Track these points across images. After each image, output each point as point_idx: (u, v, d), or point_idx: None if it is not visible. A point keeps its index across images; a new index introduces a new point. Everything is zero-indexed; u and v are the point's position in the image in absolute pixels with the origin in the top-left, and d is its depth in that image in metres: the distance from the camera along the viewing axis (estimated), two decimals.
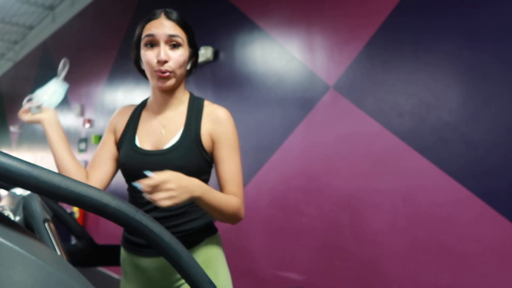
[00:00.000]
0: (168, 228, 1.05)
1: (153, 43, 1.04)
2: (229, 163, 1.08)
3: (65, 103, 5.30)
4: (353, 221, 2.01)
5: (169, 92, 1.10)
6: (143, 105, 1.19)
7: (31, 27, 6.60)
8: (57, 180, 0.38)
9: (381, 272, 1.88)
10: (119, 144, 1.14)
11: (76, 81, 5.02)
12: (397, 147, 1.85)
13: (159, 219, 1.05)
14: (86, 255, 1.36)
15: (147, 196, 0.87)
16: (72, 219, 1.38)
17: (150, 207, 1.07)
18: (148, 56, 1.04)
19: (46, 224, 0.80)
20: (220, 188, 1.08)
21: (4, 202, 0.89)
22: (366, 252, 1.94)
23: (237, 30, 2.75)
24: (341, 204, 2.06)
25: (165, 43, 1.04)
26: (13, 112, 7.33)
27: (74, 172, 1.08)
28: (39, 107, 1.10)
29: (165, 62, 1.03)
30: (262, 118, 2.52)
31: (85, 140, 4.62)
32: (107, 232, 3.99)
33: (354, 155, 2.02)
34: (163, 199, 0.86)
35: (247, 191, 2.48)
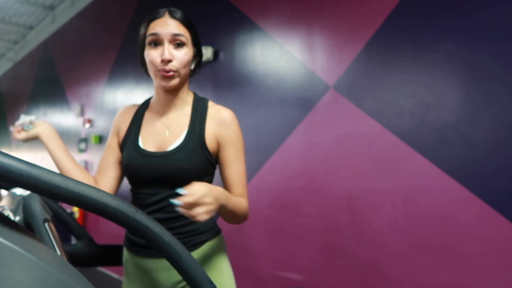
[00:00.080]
0: (172, 229, 1.04)
1: (157, 42, 1.03)
2: (235, 165, 1.07)
3: (65, 103, 5.30)
4: (353, 221, 2.01)
5: (173, 92, 1.09)
6: (145, 105, 1.17)
7: (31, 27, 6.59)
8: (57, 180, 0.38)
9: (381, 272, 1.88)
10: (122, 145, 1.13)
11: (76, 81, 5.02)
12: (397, 147, 1.85)
13: (163, 221, 1.04)
14: (86, 255, 1.36)
15: (183, 211, 0.84)
16: (72, 219, 1.37)
17: (153, 209, 1.06)
18: (152, 55, 1.03)
19: (46, 224, 0.80)
20: (226, 189, 1.08)
21: (4, 202, 0.89)
22: (366, 252, 1.94)
23: (237, 30, 2.75)
24: (341, 204, 2.06)
25: (169, 42, 1.02)
26: (13, 112, 7.33)
27: (81, 180, 1.07)
28: (31, 123, 1.08)
29: (169, 61, 1.02)
30: (262, 118, 2.52)
31: (85, 140, 4.63)
32: (107, 232, 3.98)
33: (354, 155, 2.02)
34: (202, 214, 0.85)
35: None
